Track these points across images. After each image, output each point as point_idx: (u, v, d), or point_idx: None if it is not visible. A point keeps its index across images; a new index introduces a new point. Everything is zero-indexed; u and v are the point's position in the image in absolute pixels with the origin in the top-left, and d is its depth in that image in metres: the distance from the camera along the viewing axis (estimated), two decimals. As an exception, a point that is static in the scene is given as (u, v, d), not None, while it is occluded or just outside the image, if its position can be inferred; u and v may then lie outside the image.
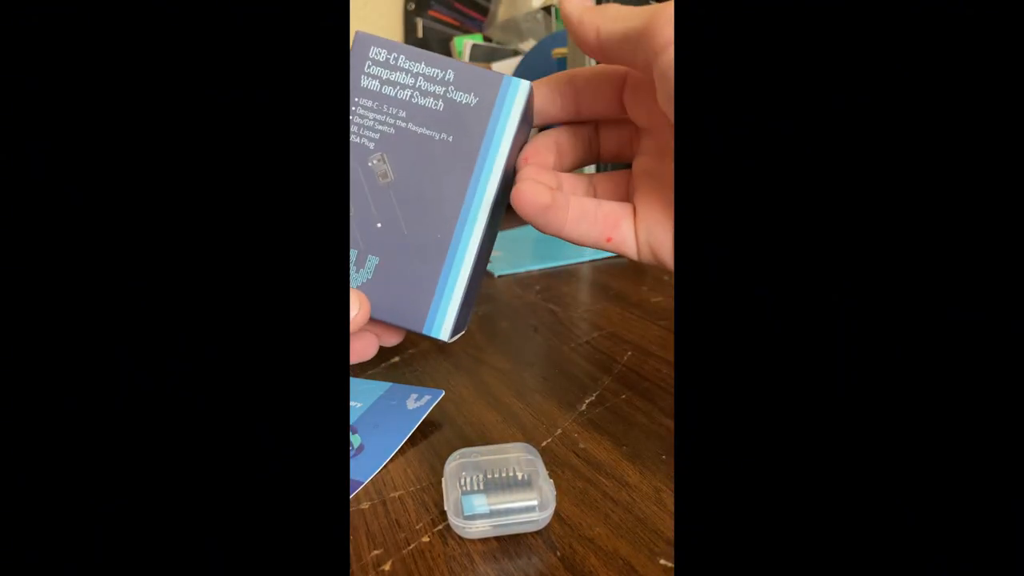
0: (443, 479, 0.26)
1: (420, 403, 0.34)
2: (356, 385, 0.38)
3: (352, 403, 0.36)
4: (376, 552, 0.24)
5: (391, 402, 0.35)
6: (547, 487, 0.25)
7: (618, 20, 0.23)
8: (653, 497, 0.27)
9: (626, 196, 0.28)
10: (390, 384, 0.38)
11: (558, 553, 0.24)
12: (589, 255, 0.71)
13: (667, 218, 0.25)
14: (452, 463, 0.26)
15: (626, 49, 0.23)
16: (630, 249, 0.26)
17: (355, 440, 0.32)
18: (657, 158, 0.26)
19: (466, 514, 0.24)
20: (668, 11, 0.21)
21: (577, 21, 0.24)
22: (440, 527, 0.25)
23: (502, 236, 0.78)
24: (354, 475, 0.29)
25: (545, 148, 0.27)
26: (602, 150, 0.29)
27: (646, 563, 0.23)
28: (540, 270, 0.66)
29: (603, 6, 0.24)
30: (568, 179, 0.27)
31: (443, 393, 0.35)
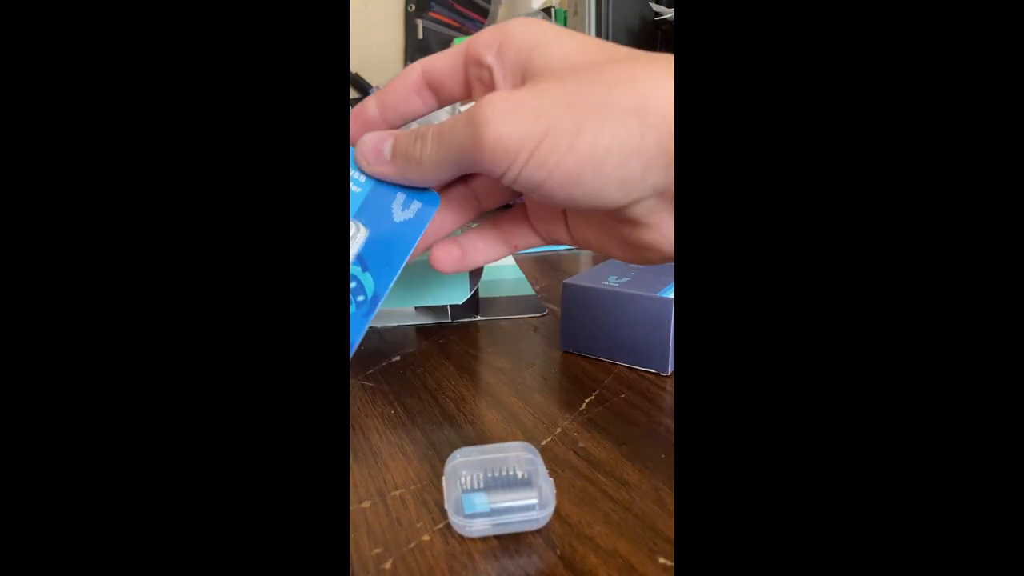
0: (443, 478, 0.26)
1: (409, 212, 0.26)
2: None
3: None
4: (377, 550, 0.24)
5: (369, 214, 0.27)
6: (547, 486, 0.25)
7: (439, 147, 0.23)
8: (653, 496, 0.27)
9: (505, 192, 0.29)
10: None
11: (558, 551, 0.24)
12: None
13: (556, 210, 0.27)
14: (452, 462, 0.26)
15: (464, 169, 0.23)
16: (535, 243, 0.28)
17: (366, 282, 0.25)
18: None
19: (466, 512, 0.24)
20: (490, 113, 0.20)
21: (399, 170, 0.25)
22: (440, 525, 0.25)
23: None
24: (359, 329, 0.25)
25: (443, 223, 0.28)
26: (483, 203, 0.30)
27: (645, 562, 0.23)
28: (535, 254, 0.67)
29: (409, 139, 0.24)
30: (457, 206, 0.29)
31: (437, 203, 0.26)
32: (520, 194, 0.27)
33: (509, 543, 0.24)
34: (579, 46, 0.23)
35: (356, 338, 0.25)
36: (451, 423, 0.34)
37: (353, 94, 1.42)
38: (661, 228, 0.23)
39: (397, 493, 0.28)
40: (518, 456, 0.26)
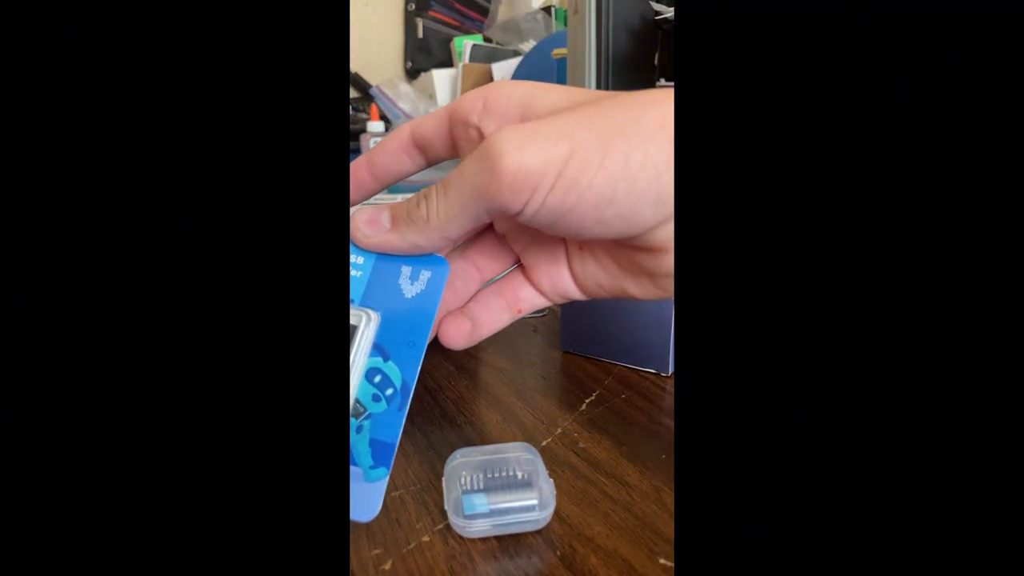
0: (443, 478, 0.26)
1: (420, 284, 0.24)
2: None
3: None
4: (376, 551, 0.24)
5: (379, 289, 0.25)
6: (547, 487, 0.25)
7: (448, 212, 0.22)
8: (653, 497, 0.27)
9: (505, 257, 0.28)
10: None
11: (558, 552, 0.24)
12: None
13: (558, 262, 0.26)
14: (452, 462, 0.26)
15: (478, 224, 0.22)
16: (540, 303, 0.27)
17: (392, 373, 0.23)
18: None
19: (466, 513, 0.24)
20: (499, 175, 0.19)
21: (400, 244, 0.23)
22: (440, 526, 0.25)
23: None
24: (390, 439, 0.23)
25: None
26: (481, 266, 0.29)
27: (646, 562, 0.23)
28: None
29: (410, 202, 0.23)
30: (460, 280, 0.28)
31: (447, 266, 0.25)
32: (517, 258, 0.27)
33: (509, 544, 0.24)
34: (576, 90, 0.22)
35: (395, 436, 0.23)
36: (451, 423, 0.34)
37: (353, 94, 1.42)
38: None
39: (397, 494, 0.28)
40: (518, 457, 0.26)
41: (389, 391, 0.23)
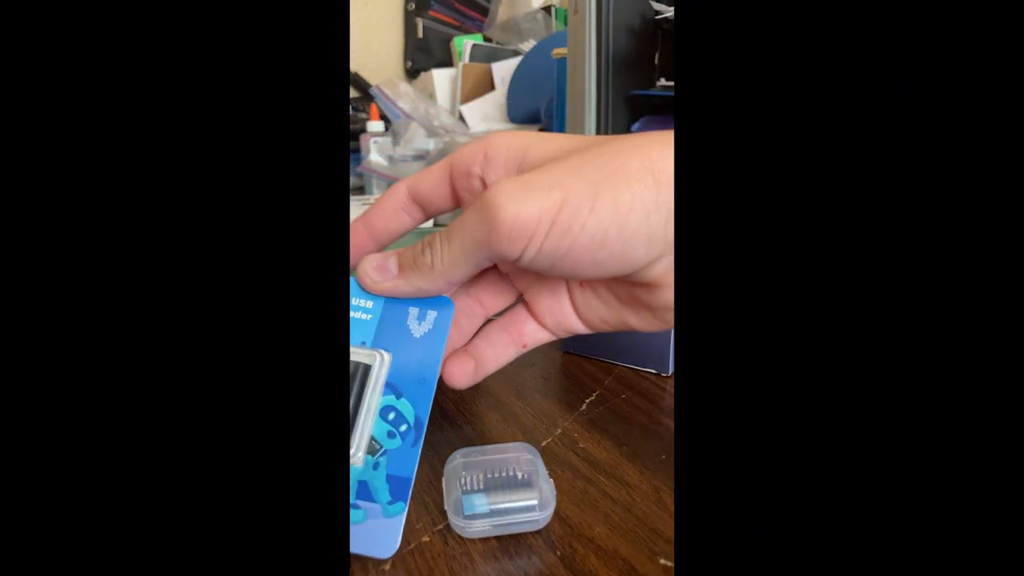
0: (443, 478, 0.26)
1: (427, 324, 0.26)
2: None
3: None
4: (376, 551, 0.24)
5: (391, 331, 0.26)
6: (547, 487, 0.25)
7: (451, 260, 0.23)
8: (653, 497, 0.27)
9: (508, 293, 0.29)
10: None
11: (558, 552, 0.24)
12: None
13: (560, 298, 0.27)
14: (452, 463, 0.26)
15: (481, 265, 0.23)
16: (544, 338, 0.28)
17: (405, 410, 0.24)
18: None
19: (466, 513, 0.24)
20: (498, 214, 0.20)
21: (403, 287, 0.24)
22: (440, 527, 0.25)
23: None
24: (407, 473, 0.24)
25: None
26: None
27: (646, 562, 0.23)
28: None
29: (415, 249, 0.24)
30: (465, 317, 0.28)
31: (452, 305, 0.26)
32: (520, 294, 0.28)
33: (509, 544, 0.24)
34: (569, 139, 0.23)
35: (411, 471, 0.24)
36: (451, 423, 0.34)
37: (353, 94, 1.42)
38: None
39: (397, 493, 0.28)
40: (518, 457, 0.26)
41: (403, 427, 0.24)
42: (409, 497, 0.23)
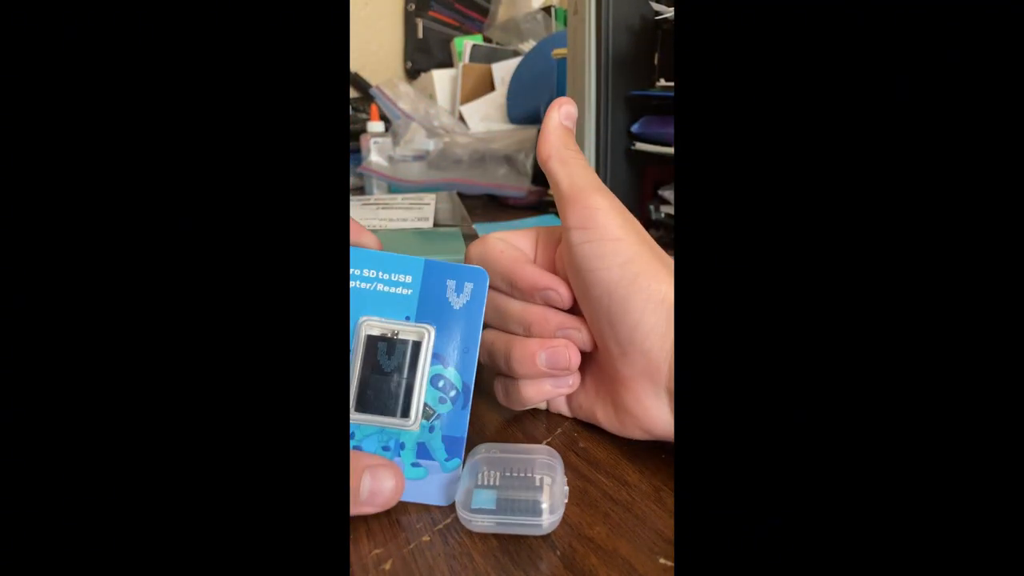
0: (463, 468, 0.26)
1: (465, 295, 0.27)
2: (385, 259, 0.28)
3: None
4: (376, 551, 0.24)
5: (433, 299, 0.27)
6: (559, 494, 0.25)
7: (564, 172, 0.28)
8: (653, 496, 0.27)
9: None
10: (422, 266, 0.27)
11: (558, 552, 0.24)
12: None
13: (598, 398, 0.31)
14: (476, 456, 0.26)
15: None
16: (564, 411, 0.33)
17: (453, 377, 0.27)
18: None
19: (473, 507, 0.24)
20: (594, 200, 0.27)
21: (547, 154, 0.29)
22: (441, 526, 0.25)
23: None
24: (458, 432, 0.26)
25: None
26: None
27: (646, 562, 0.23)
28: None
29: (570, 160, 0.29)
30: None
31: (487, 276, 0.27)
32: None
33: (509, 543, 0.24)
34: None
35: (463, 431, 0.27)
36: (451, 423, 0.34)
37: (353, 94, 1.42)
38: (639, 394, 0.28)
39: (397, 493, 0.28)
40: (539, 460, 0.26)
41: (452, 393, 0.27)
42: (463, 453, 0.26)
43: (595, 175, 0.29)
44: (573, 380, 0.31)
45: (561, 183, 0.28)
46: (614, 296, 0.26)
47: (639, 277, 0.26)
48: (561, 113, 0.29)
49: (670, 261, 0.28)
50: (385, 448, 0.27)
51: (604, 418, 0.30)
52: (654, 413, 0.28)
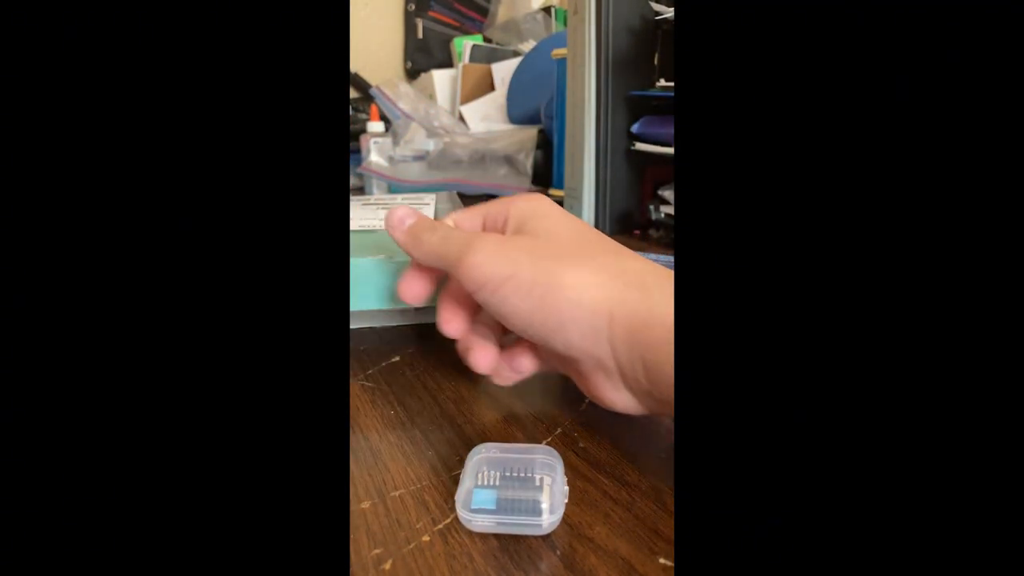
0: (463, 468, 0.26)
1: None
2: None
3: None
4: (376, 551, 0.24)
5: None
6: (559, 494, 0.25)
7: (435, 247, 0.30)
8: (653, 496, 0.27)
9: None
10: None
11: (558, 552, 0.24)
12: None
13: (562, 369, 0.31)
14: (476, 456, 0.26)
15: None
16: (531, 370, 0.33)
17: None
18: None
19: (473, 507, 0.24)
20: (480, 253, 0.27)
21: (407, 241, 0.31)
22: (441, 526, 0.25)
23: None
24: None
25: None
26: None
27: (646, 562, 0.23)
28: None
29: (425, 225, 0.31)
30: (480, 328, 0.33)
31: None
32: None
33: (509, 543, 0.24)
34: (563, 225, 0.29)
35: None
36: (451, 423, 0.34)
37: (353, 94, 1.42)
38: (599, 387, 0.28)
39: (397, 493, 0.28)
40: (540, 460, 0.26)
41: None
42: None
43: (451, 229, 0.30)
44: (521, 367, 0.32)
45: (440, 259, 0.29)
46: (535, 327, 0.26)
47: (545, 298, 0.26)
48: (394, 223, 0.31)
49: (588, 240, 0.28)
50: None
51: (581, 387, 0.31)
52: (616, 400, 0.28)
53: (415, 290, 0.33)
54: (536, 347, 0.32)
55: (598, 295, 0.25)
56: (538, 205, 0.30)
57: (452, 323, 0.32)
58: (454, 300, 0.32)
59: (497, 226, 0.31)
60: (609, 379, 0.27)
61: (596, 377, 0.28)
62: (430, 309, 0.51)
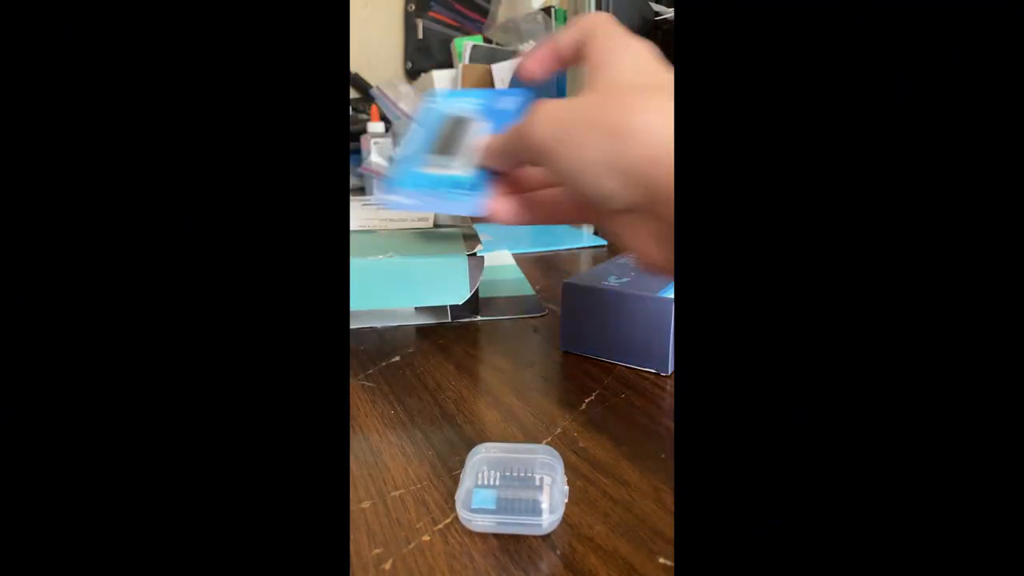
0: (463, 468, 0.26)
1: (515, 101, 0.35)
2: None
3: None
4: (377, 551, 0.24)
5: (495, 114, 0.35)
6: (559, 494, 0.25)
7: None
8: (653, 496, 0.27)
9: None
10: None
11: (558, 552, 0.24)
12: (587, 241, 0.76)
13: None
14: (476, 455, 0.26)
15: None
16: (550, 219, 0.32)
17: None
18: None
19: (473, 507, 0.24)
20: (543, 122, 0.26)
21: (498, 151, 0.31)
22: (440, 525, 0.25)
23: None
24: None
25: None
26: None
27: (645, 562, 0.23)
28: (534, 253, 0.71)
29: (496, 139, 0.31)
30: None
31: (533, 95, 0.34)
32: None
33: (509, 543, 0.24)
34: (631, 67, 0.28)
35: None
36: (451, 423, 0.34)
37: (353, 94, 1.42)
38: (644, 241, 0.27)
39: (397, 493, 0.28)
40: (540, 460, 0.26)
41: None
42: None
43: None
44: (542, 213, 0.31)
45: (515, 131, 0.29)
46: (602, 180, 0.25)
47: (616, 148, 0.24)
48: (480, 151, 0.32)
49: (651, 82, 0.27)
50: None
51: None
52: (659, 256, 0.27)
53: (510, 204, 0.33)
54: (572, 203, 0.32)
55: (667, 137, 0.23)
56: (603, 45, 0.30)
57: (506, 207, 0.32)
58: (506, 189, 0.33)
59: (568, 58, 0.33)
60: (659, 230, 0.26)
61: (645, 228, 0.26)
62: (430, 309, 0.51)
